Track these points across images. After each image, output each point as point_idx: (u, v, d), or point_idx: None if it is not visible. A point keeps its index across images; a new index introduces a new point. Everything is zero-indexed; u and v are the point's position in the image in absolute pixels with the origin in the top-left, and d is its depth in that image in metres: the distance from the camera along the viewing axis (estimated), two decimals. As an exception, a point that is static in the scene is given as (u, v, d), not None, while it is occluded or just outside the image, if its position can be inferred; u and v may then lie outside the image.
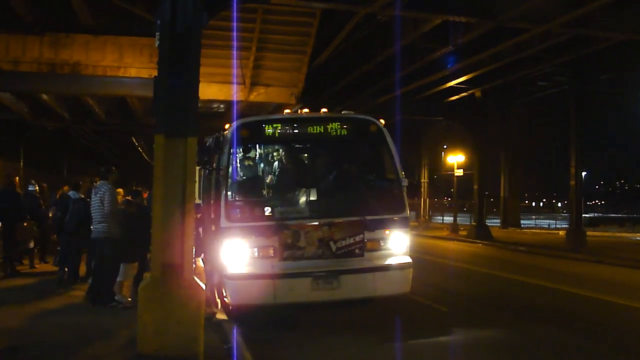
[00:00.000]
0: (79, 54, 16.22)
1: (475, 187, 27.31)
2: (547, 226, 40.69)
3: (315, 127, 8.47)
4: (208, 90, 15.93)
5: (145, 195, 11.64)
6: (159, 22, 6.15)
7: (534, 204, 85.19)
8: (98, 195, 8.63)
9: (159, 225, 6.01)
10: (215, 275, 8.86)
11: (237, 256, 7.77)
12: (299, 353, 6.97)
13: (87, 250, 10.29)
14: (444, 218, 40.64)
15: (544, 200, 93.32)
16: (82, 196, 10.75)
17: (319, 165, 8.90)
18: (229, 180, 8.03)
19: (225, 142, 8.32)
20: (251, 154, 9.01)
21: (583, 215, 23.86)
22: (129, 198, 9.74)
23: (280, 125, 8.49)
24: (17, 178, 13.87)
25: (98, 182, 9.02)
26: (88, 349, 6.39)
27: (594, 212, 66.96)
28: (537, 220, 45.56)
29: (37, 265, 12.52)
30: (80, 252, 10.66)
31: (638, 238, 28.09)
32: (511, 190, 30.91)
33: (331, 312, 8.62)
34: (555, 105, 29.44)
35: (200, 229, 9.84)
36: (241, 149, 8.51)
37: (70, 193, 10.96)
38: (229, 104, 18.42)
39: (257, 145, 8.93)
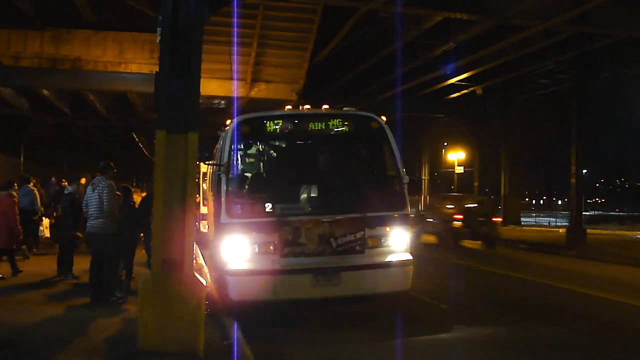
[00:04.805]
0: (80, 49, 16.25)
1: (476, 184, 27.39)
2: (547, 224, 40.63)
3: (316, 123, 8.45)
4: (209, 86, 15.96)
5: (136, 196, 11.59)
6: (160, 17, 6.14)
7: (534, 201, 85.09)
8: (96, 190, 8.54)
9: (159, 221, 6.01)
10: (216, 271, 8.87)
11: (237, 252, 7.76)
12: (299, 349, 6.96)
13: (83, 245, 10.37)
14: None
15: (544, 197, 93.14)
16: (73, 191, 10.89)
17: (320, 162, 8.87)
18: (230, 176, 8.02)
19: (226, 138, 8.30)
20: (252, 150, 8.99)
21: (583, 213, 23.82)
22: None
23: (281, 121, 8.46)
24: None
25: (96, 177, 8.96)
26: (87, 344, 6.37)
27: (595, 210, 66.92)
28: (537, 218, 45.53)
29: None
30: (73, 246, 10.78)
31: (638, 236, 28.06)
32: (511, 187, 30.89)
33: (331, 309, 8.62)
34: (557, 103, 29.41)
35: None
36: (242, 145, 8.50)
37: (67, 188, 11.21)
38: (229, 100, 18.44)
39: (258, 141, 8.91)
